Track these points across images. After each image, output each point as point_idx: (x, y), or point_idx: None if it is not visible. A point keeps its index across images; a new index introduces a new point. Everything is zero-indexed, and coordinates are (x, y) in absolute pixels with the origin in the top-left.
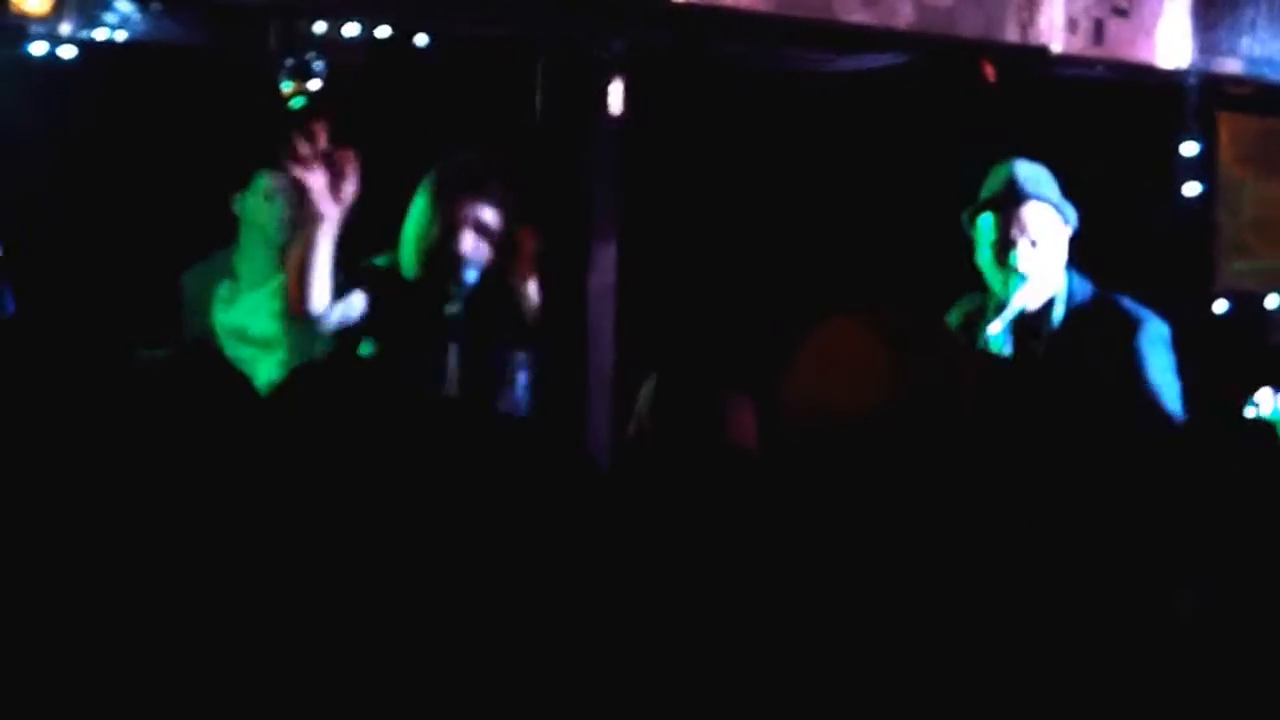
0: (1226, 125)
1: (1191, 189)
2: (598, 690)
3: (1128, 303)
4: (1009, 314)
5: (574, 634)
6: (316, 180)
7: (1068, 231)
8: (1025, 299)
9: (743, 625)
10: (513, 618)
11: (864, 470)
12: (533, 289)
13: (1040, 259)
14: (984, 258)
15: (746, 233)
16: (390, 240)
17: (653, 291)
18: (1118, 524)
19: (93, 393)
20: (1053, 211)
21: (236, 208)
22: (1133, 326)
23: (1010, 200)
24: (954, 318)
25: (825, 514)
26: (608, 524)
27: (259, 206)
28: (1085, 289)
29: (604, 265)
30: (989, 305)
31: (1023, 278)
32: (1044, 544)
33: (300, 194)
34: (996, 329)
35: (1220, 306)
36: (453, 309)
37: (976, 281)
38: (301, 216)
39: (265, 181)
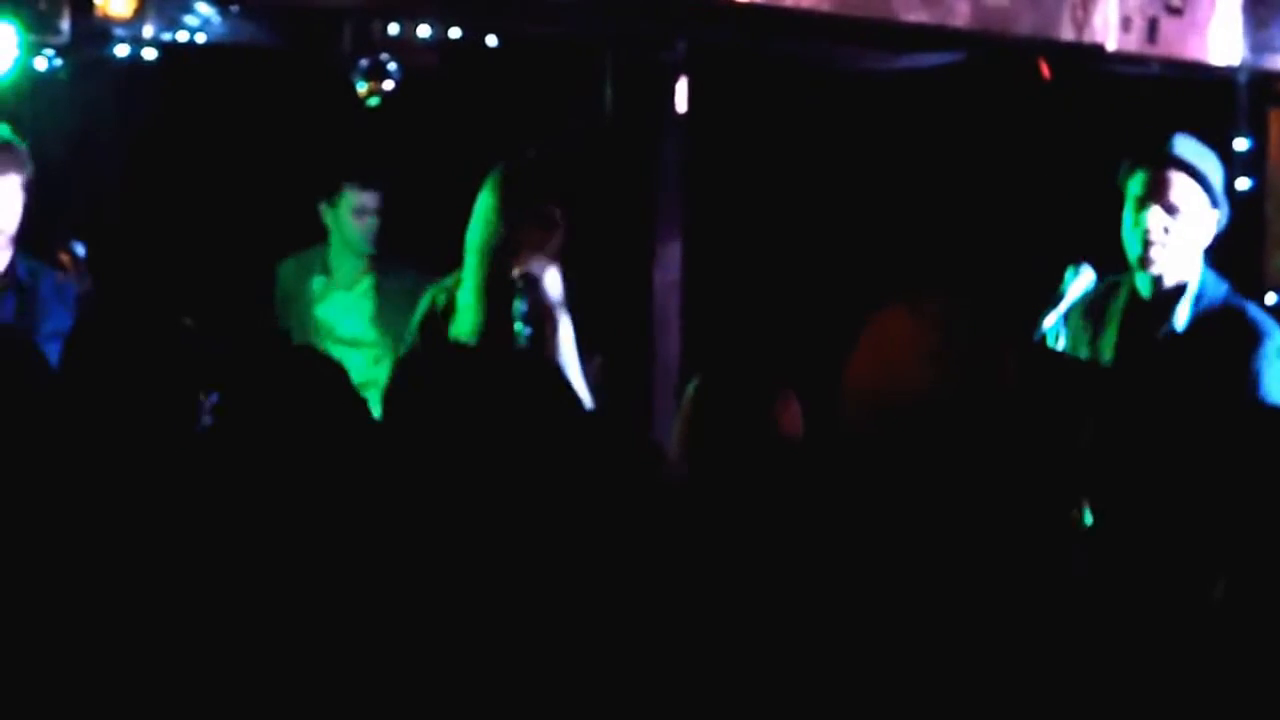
0: (1277, 122)
1: (1242, 184)
2: (646, 673)
3: (1255, 312)
4: (1064, 306)
5: (638, 618)
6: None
7: (1214, 219)
8: (1083, 288)
9: (790, 609)
10: (580, 602)
11: (908, 453)
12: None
13: (1173, 228)
14: (1126, 218)
15: (808, 228)
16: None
17: (718, 287)
18: (1195, 514)
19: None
20: (1200, 190)
21: (325, 217)
22: (1256, 339)
23: (1160, 162)
24: (1080, 299)
25: (872, 497)
26: (675, 515)
27: (347, 221)
28: (1218, 290)
29: (670, 262)
30: (1123, 285)
31: (1081, 268)
32: (1103, 529)
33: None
34: (1050, 321)
35: (1270, 299)
36: (520, 306)
37: (1033, 272)
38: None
39: (352, 198)
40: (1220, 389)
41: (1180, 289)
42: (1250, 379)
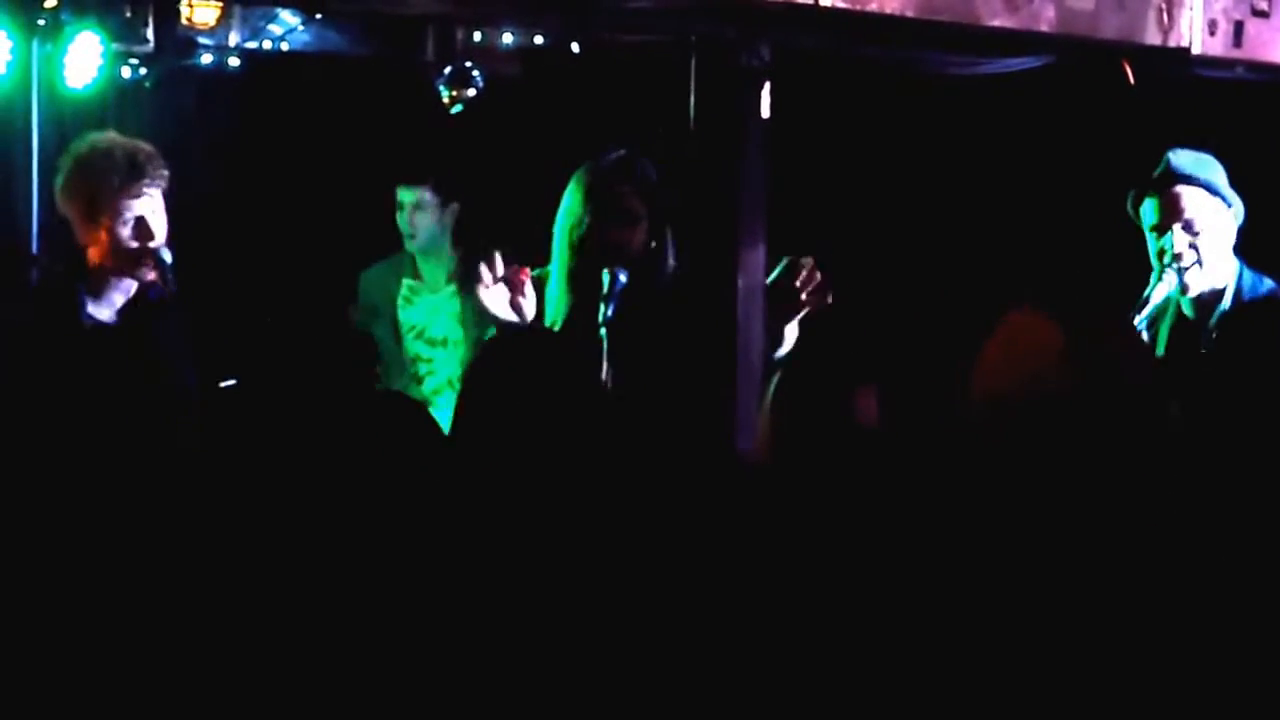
0: None
1: None
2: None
3: None
4: (1150, 308)
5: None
6: (496, 300)
7: (1231, 218)
8: (1166, 291)
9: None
10: (658, 597)
11: (1042, 456)
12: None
13: (1198, 243)
14: (1150, 245)
15: (891, 233)
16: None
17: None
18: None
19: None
20: (1209, 196)
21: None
22: None
23: (1165, 184)
24: (1149, 312)
25: (1004, 498)
26: (753, 509)
27: (400, 219)
28: (1258, 284)
29: (753, 266)
30: (1170, 298)
31: (1165, 270)
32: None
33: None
34: (1136, 322)
35: None
36: (606, 312)
37: (1128, 277)
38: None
39: (396, 195)
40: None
41: (1219, 294)
42: None
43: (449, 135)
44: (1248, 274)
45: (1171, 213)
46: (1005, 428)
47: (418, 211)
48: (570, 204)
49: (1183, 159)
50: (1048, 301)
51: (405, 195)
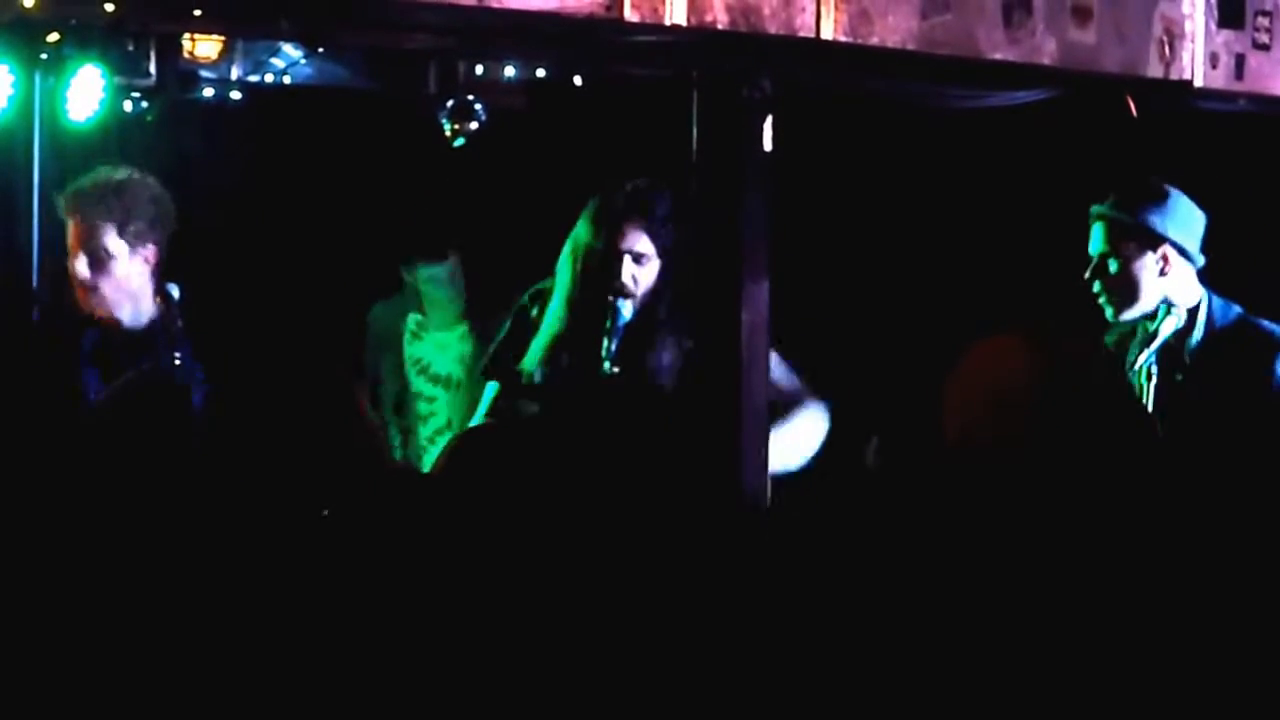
0: None
1: None
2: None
3: (1269, 325)
4: (1156, 344)
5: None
6: None
7: (1161, 252)
8: (1173, 326)
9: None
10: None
11: (1018, 482)
12: None
13: (1130, 277)
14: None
15: (895, 265)
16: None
17: (805, 325)
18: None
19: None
20: (1128, 230)
21: (408, 276)
22: (1273, 349)
23: (1097, 215)
24: (1157, 346)
25: (978, 528)
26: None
27: (425, 287)
28: (1227, 312)
29: (756, 302)
30: (1139, 330)
31: (1173, 307)
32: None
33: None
34: (1142, 359)
35: None
36: (611, 347)
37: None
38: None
39: (424, 271)
40: (1242, 399)
41: (1189, 323)
42: (1272, 385)
43: (456, 169)
44: (1216, 301)
45: (1102, 244)
46: (980, 460)
47: (446, 283)
48: (580, 233)
49: (1125, 195)
50: (1023, 329)
51: (439, 271)
